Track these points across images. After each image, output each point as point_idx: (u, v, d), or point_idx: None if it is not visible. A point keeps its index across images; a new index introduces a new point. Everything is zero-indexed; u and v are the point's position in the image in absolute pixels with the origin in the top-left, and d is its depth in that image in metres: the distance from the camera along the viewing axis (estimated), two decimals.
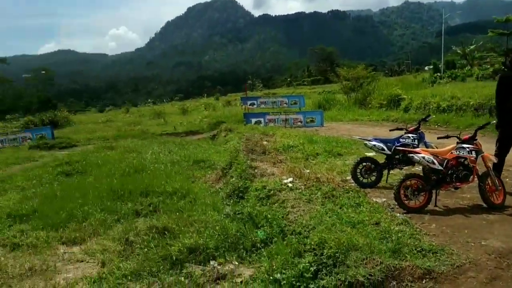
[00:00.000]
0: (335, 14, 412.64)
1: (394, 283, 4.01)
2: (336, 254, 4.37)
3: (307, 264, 4.43)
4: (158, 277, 4.89)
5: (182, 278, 4.81)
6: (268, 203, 6.76)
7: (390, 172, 7.65)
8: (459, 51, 49.73)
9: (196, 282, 4.72)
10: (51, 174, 12.30)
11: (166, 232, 6.15)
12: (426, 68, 61.32)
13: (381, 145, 7.44)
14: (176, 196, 8.18)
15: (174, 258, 5.28)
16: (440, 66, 44.53)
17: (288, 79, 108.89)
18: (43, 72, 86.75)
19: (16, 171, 14.34)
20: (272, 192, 7.05)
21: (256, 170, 8.52)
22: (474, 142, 6.22)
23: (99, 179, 10.23)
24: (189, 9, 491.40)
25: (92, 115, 64.22)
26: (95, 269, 5.51)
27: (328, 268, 4.32)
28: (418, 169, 7.47)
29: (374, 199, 6.45)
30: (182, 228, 6.19)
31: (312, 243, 4.71)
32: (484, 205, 6.05)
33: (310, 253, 4.60)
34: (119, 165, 11.84)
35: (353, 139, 12.01)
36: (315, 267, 4.37)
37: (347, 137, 13.55)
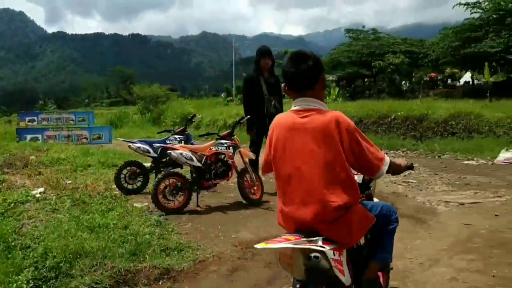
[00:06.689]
0: (136, 37, 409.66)
1: None
2: (60, 264, 3.57)
3: (24, 282, 3.50)
4: None
5: None
6: (5, 217, 5.51)
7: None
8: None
9: None
10: None
11: None
12: (222, 94, 65.15)
13: (146, 147, 6.91)
14: None
15: None
16: (232, 90, 48.04)
17: (86, 100, 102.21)
18: None
19: None
20: (13, 205, 5.81)
21: (3, 184, 7.10)
22: (232, 137, 6.19)
23: None
24: None
25: None
26: None
27: (49, 283, 3.48)
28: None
29: (135, 204, 5.83)
30: None
31: (36, 255, 3.81)
32: (244, 201, 6.03)
33: (31, 268, 3.68)
34: None
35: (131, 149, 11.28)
36: (32, 284, 3.47)
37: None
